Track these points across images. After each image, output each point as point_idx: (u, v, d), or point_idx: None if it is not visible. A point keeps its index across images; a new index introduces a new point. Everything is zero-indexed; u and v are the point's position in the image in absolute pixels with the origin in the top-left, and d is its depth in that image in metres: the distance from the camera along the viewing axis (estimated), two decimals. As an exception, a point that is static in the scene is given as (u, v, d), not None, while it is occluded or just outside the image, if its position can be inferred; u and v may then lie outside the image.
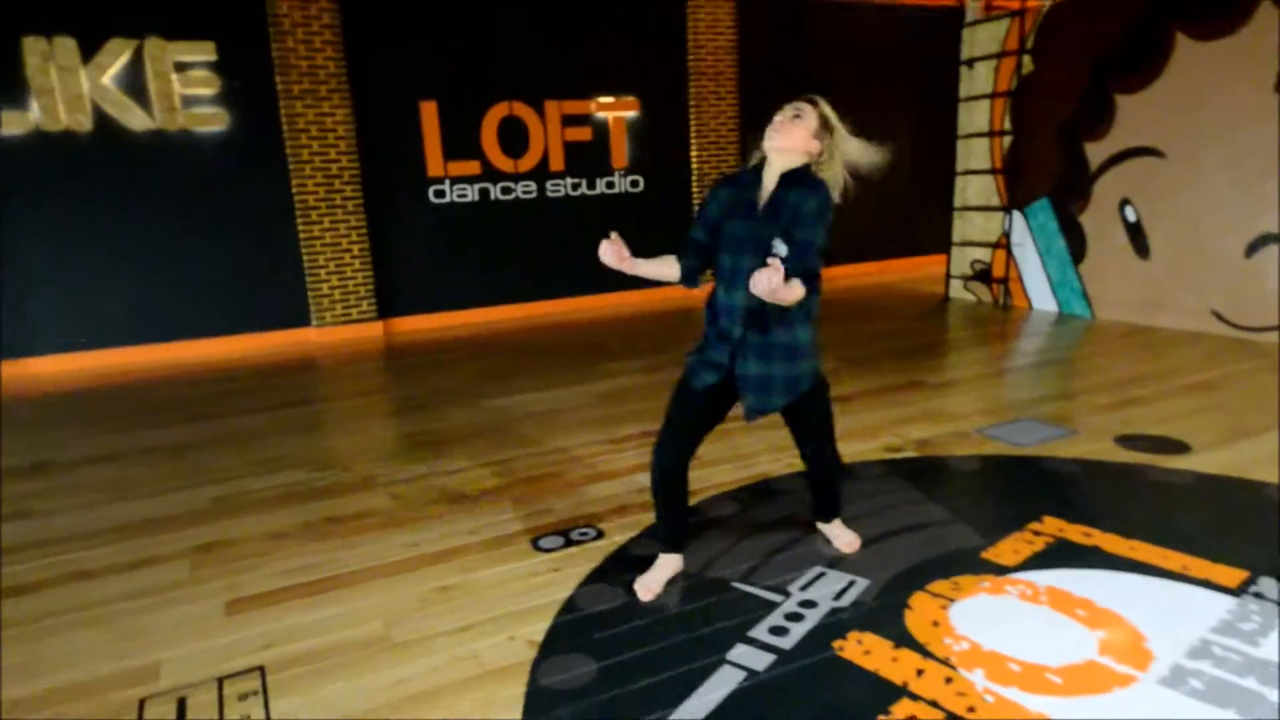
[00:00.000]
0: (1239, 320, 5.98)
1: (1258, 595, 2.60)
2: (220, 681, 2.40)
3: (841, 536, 3.05)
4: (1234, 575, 2.72)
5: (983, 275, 8.03)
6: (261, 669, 2.45)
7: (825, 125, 2.52)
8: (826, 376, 2.82)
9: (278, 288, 7.48)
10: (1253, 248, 5.80)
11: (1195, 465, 3.69)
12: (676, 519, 2.81)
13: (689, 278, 2.67)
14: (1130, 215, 6.61)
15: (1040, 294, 7.54)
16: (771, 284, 2.12)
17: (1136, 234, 6.60)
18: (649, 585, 2.76)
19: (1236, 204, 5.86)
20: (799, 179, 2.50)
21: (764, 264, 2.25)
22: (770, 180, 2.55)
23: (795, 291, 2.31)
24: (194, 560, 3.20)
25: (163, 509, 3.74)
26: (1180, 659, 2.30)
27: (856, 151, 2.58)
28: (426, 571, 3.02)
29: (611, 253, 2.46)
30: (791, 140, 2.49)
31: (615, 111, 8.59)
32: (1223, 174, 5.91)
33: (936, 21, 9.44)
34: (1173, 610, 2.55)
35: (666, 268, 2.66)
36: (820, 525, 3.10)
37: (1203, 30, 5.88)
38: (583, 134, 8.42)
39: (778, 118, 2.52)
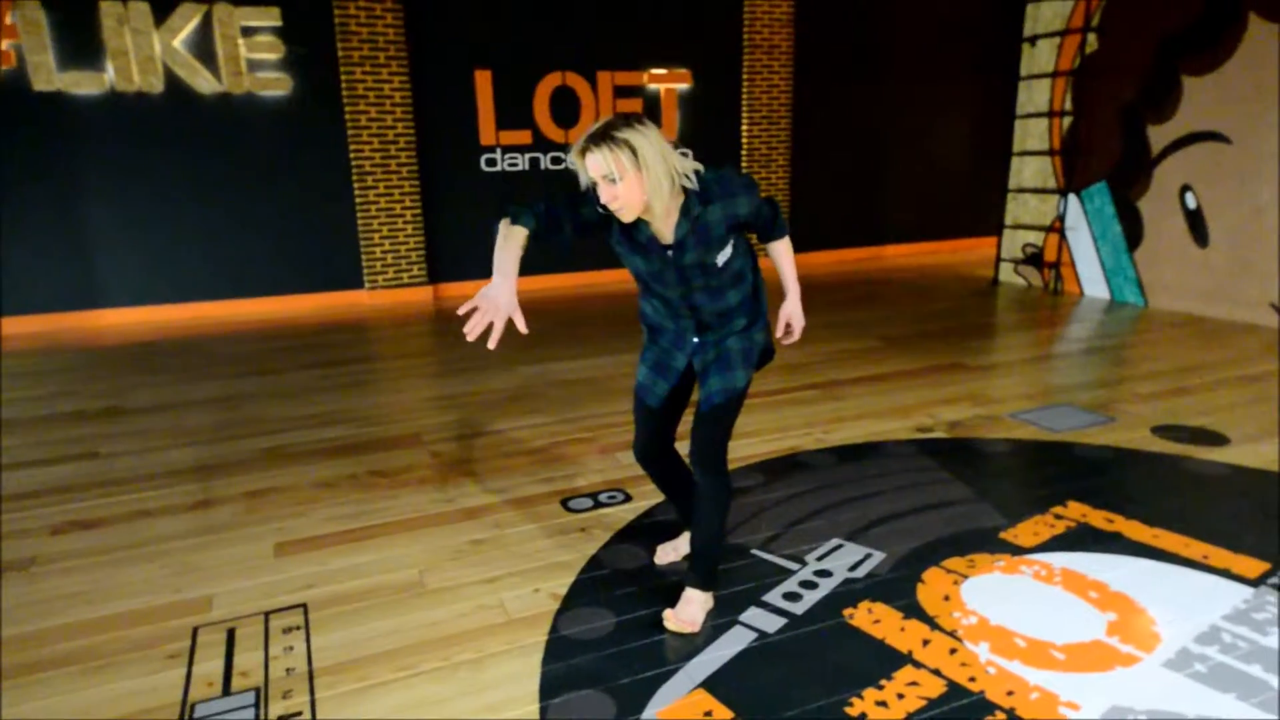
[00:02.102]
0: (1298, 313, 5.83)
1: (1276, 587, 2.61)
2: (266, 615, 2.58)
3: (685, 609, 2.45)
4: (1255, 566, 2.73)
5: (1034, 259, 7.91)
6: (305, 606, 2.63)
7: (633, 153, 2.04)
8: (775, 348, 2.60)
9: (333, 250, 7.70)
10: (1316, 239, 5.64)
11: (1231, 458, 3.66)
12: (681, 498, 2.67)
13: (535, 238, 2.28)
14: (1191, 202, 6.45)
15: (1093, 280, 7.40)
16: (796, 322, 2.60)
17: (1196, 221, 6.44)
18: (667, 552, 2.85)
19: (1302, 193, 5.69)
20: (699, 199, 2.16)
21: (710, 274, 2.25)
22: (660, 222, 2.20)
23: (792, 265, 2.53)
24: (246, 505, 3.40)
25: (219, 456, 3.96)
26: (1188, 643, 2.33)
27: (661, 150, 2.09)
28: (461, 525, 3.17)
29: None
30: (636, 203, 2.10)
31: (667, 84, 8.60)
32: (1290, 162, 5.74)
33: (1000, -3, 9.23)
34: (1187, 597, 2.57)
35: (515, 236, 2.25)
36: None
37: (1278, 10, 5.68)
38: (634, 105, 8.45)
39: (600, 191, 2.11)
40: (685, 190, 2.17)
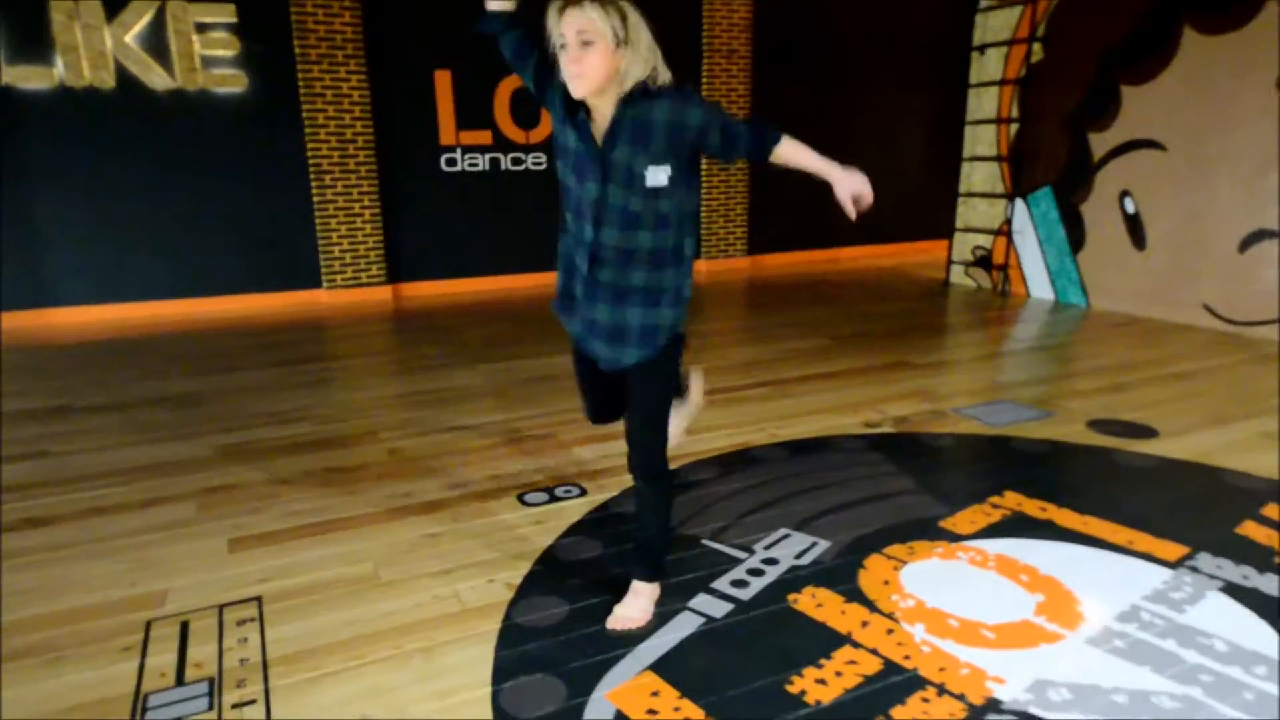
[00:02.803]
0: (1230, 314, 6.07)
1: (1194, 569, 2.75)
2: (221, 609, 2.60)
3: (630, 604, 2.47)
4: (1176, 550, 2.87)
5: (983, 261, 8.13)
6: (259, 599, 2.65)
7: (623, 21, 1.94)
8: (688, 337, 2.41)
9: (290, 249, 7.66)
10: (1246, 243, 5.88)
11: (1160, 450, 3.82)
12: None
13: (505, 30, 2.27)
14: (1129, 207, 6.69)
15: (1038, 282, 7.63)
16: (857, 188, 2.06)
17: (1135, 226, 6.68)
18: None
19: (1233, 199, 5.93)
20: (648, 94, 2.02)
21: (630, 188, 2.05)
22: (602, 105, 2.05)
23: (809, 153, 2.13)
24: (201, 501, 3.40)
25: (174, 453, 3.95)
26: (1109, 621, 2.46)
27: (649, 39, 2.01)
28: (417, 520, 3.20)
29: None
30: (598, 76, 1.96)
31: (627, 86, 8.68)
32: (1221, 169, 5.98)
33: (949, 5, 9.43)
34: (1110, 579, 2.70)
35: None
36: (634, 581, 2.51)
37: (1211, 24, 5.92)
38: (594, 107, 8.51)
39: (565, 56, 1.96)
40: (646, 88, 2.01)
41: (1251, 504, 3.23)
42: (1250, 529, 3.02)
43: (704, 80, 8.97)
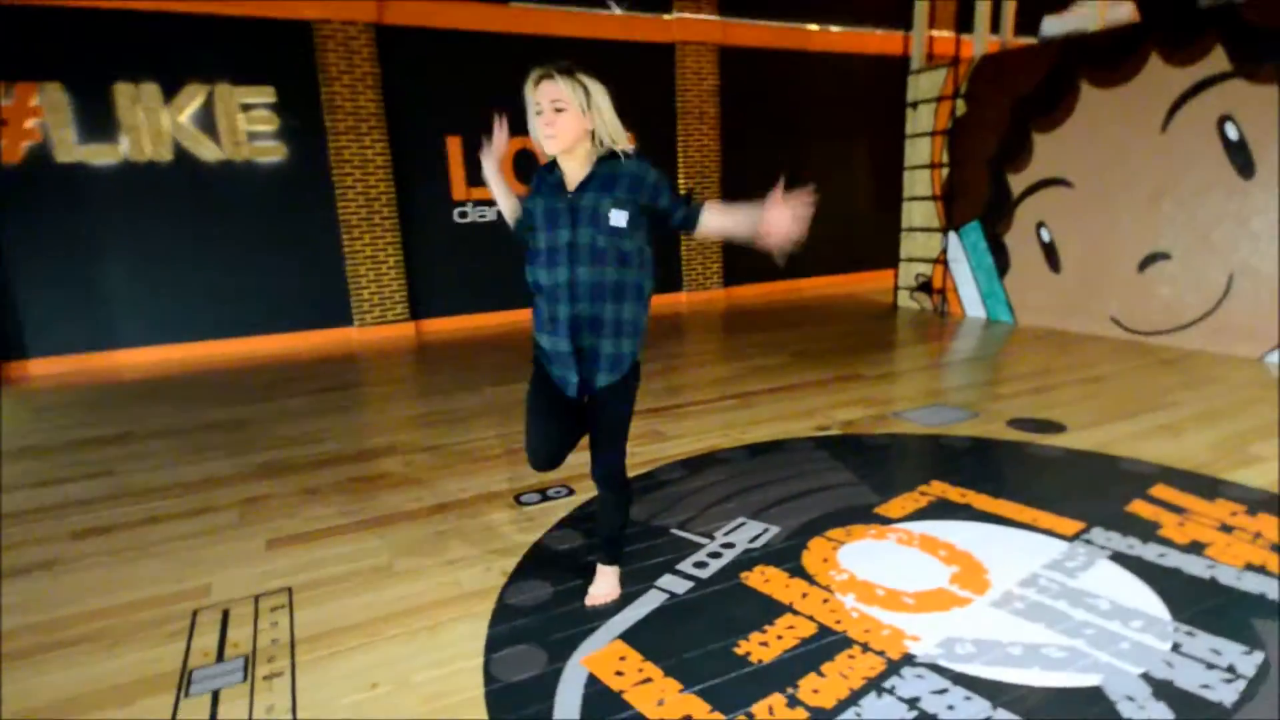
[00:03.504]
0: (1133, 325, 6.16)
1: (1087, 541, 2.82)
2: (257, 598, 2.67)
3: (599, 584, 2.56)
4: (1073, 526, 2.95)
5: (925, 287, 8.23)
6: (290, 589, 2.72)
7: (586, 93, 2.06)
8: (640, 365, 2.38)
9: (324, 293, 7.75)
10: (1144, 264, 5.99)
11: (1067, 443, 3.90)
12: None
13: (517, 231, 2.41)
14: (1045, 235, 6.80)
15: (972, 303, 7.73)
16: (782, 235, 2.01)
17: (1050, 251, 6.79)
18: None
19: (1131, 227, 6.05)
20: (615, 156, 2.14)
21: (597, 225, 2.10)
22: (573, 167, 2.15)
23: (728, 215, 2.16)
24: (242, 510, 3.47)
25: (220, 470, 4.01)
26: (1011, 586, 2.53)
27: (609, 106, 2.12)
28: (427, 520, 3.27)
29: (496, 135, 2.28)
30: (569, 135, 2.06)
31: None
32: (1120, 201, 6.10)
33: (887, 69, 9.63)
34: (1015, 551, 2.77)
35: (509, 201, 2.41)
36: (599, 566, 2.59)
37: (1104, 79, 6.08)
38: (585, 164, 8.67)
39: (539, 119, 2.05)
40: (614, 154, 2.13)
41: (1141, 485, 3.30)
42: (1139, 506, 3.10)
43: (679, 138, 9.14)
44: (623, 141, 2.15)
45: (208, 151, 7.05)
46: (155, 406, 5.46)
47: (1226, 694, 1.96)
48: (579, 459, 3.92)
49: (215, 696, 2.13)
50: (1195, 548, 2.73)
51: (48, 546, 3.16)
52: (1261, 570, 2.55)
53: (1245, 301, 5.42)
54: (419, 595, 2.64)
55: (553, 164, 2.21)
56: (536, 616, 2.47)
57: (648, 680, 2.12)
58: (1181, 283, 5.77)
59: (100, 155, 6.71)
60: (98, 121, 6.66)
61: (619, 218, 2.12)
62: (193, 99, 6.93)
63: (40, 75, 6.42)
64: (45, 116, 6.48)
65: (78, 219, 6.72)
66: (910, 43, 8.08)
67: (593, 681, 2.12)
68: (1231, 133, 5.31)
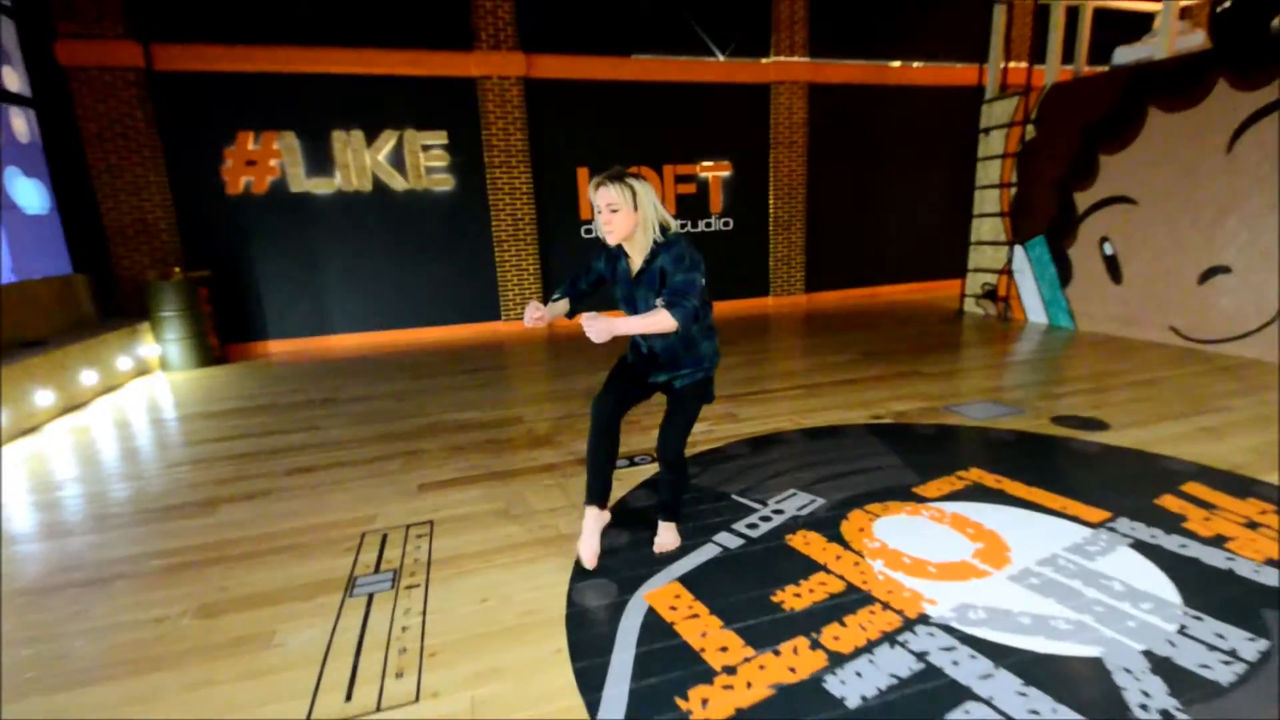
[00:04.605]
0: (1192, 334, 5.51)
1: (1111, 529, 2.60)
2: (407, 528, 2.92)
3: (663, 535, 2.62)
4: (1099, 515, 2.72)
5: (990, 294, 7.69)
6: (431, 522, 2.95)
7: (633, 194, 2.16)
8: (714, 390, 2.49)
9: (479, 294, 8.18)
10: (1204, 277, 5.34)
11: (1107, 440, 3.58)
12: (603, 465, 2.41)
13: (570, 314, 2.47)
14: (1108, 249, 6.19)
15: (1035, 310, 7.15)
16: (596, 331, 2.00)
17: (1112, 264, 6.18)
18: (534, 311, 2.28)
19: (1193, 242, 5.41)
20: (656, 250, 2.23)
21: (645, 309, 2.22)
22: (635, 256, 2.28)
23: (644, 322, 2.10)
24: (404, 460, 3.77)
25: (391, 430, 4.36)
26: (1030, 564, 2.38)
27: (653, 200, 2.22)
28: (540, 475, 3.44)
29: (530, 312, 2.23)
30: (623, 231, 2.18)
31: (714, 172, 8.79)
32: (1183, 218, 5.46)
33: (962, 99, 9.03)
34: (1040, 534, 2.60)
35: (560, 308, 2.41)
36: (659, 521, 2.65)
37: (1171, 104, 5.45)
38: (689, 188, 8.69)
39: (599, 218, 2.18)
40: (655, 243, 2.22)
41: (1174, 482, 2.99)
42: (1168, 501, 2.82)
43: (771, 165, 8.96)
44: (668, 225, 2.23)
45: (397, 182, 7.60)
46: (351, 379, 5.96)
47: (1224, 674, 1.78)
48: (653, 434, 4.00)
49: (370, 598, 2.37)
50: (1217, 541, 2.46)
51: (267, 480, 3.57)
52: (1283, 567, 2.27)
53: (1311, 313, 4.73)
54: (525, 534, 2.80)
55: (619, 249, 2.31)
56: (612, 558, 2.56)
57: (695, 616, 2.17)
58: (1241, 295, 5.11)
59: (321, 186, 7.37)
60: (319, 160, 7.33)
61: (656, 304, 2.21)
62: (387, 142, 7.48)
63: (279, 126, 7.15)
64: (283, 157, 7.21)
65: (304, 235, 7.43)
66: (985, 74, 7.54)
67: (651, 613, 2.19)
68: (1299, 152, 4.63)
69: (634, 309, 2.32)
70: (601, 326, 2.01)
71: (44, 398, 4.90)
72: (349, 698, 1.88)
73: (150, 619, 2.33)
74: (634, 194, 2.16)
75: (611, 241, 2.21)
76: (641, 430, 4.09)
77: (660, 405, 2.68)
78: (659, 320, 2.10)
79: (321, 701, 1.87)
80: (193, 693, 1.95)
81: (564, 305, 2.42)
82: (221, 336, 7.22)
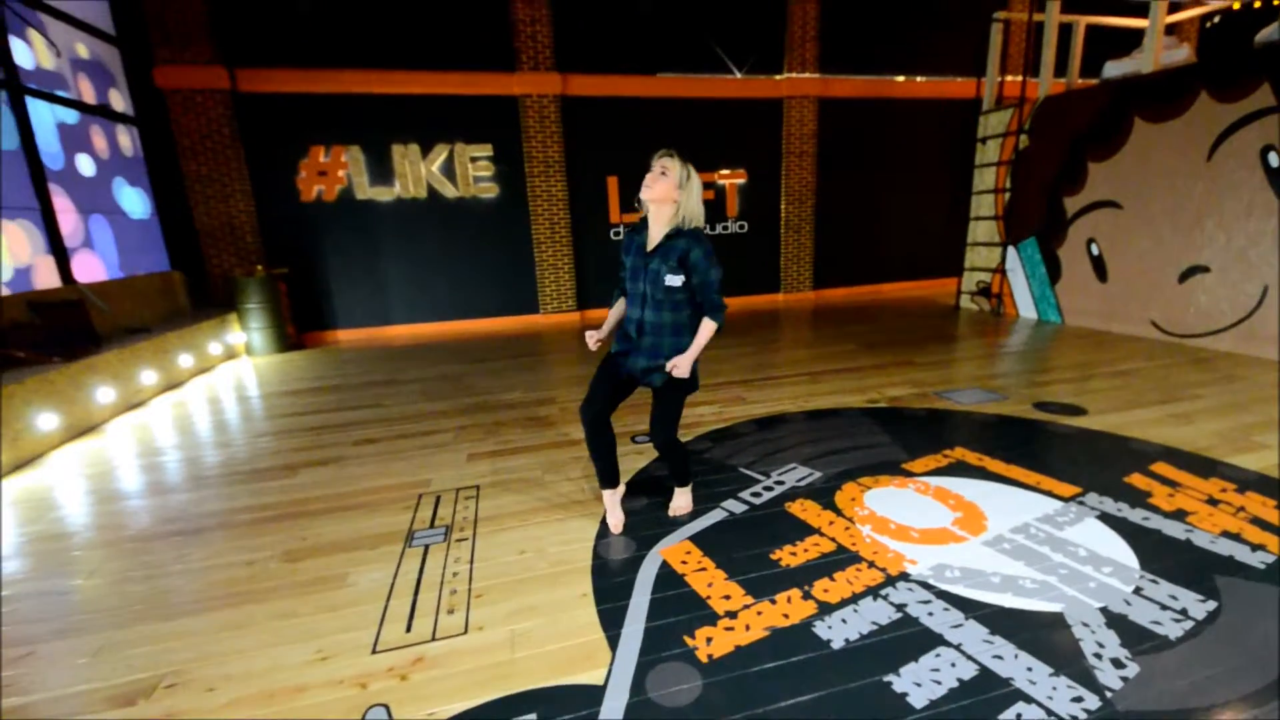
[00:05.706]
0: (1171, 329, 5.38)
1: (1080, 503, 2.61)
2: (457, 491, 3.04)
3: (676, 500, 2.66)
4: (1071, 489, 2.73)
5: (984, 291, 7.56)
6: (478, 486, 3.07)
7: (688, 175, 2.18)
8: (699, 381, 2.48)
9: (520, 291, 8.27)
10: (1184, 276, 5.21)
11: (1083, 424, 3.55)
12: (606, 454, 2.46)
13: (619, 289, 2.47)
14: (1095, 250, 6.06)
15: (1025, 305, 7.02)
16: (683, 369, 2.11)
17: (1099, 264, 6.04)
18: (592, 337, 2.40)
19: (1174, 243, 5.27)
20: (680, 233, 2.20)
21: (656, 285, 2.17)
22: (655, 230, 2.24)
23: (703, 337, 2.16)
24: (455, 433, 3.89)
25: (446, 406, 4.49)
26: (1004, 531, 2.41)
27: (699, 193, 2.21)
28: (569, 449, 3.53)
29: (592, 340, 2.33)
30: (660, 192, 2.15)
31: (731, 179, 8.76)
32: (1164, 221, 5.32)
33: (961, 110, 8.85)
34: (1015, 506, 2.62)
35: (619, 312, 2.44)
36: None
37: (1155, 115, 5.30)
38: (708, 195, 8.65)
39: (649, 175, 2.17)
40: (679, 228, 2.20)
41: (1143, 462, 2.98)
42: (1136, 479, 2.81)
43: (783, 173, 8.89)
44: (697, 222, 2.20)
45: (449, 191, 7.72)
46: (409, 363, 6.10)
47: (1173, 630, 1.81)
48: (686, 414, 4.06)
49: (426, 549, 2.50)
50: (1179, 515, 2.46)
51: (338, 449, 3.73)
52: (1236, 537, 2.27)
53: (1277, 310, 4.60)
54: (558, 496, 2.91)
55: (643, 225, 2.28)
56: (633, 518, 2.65)
57: (703, 569, 2.25)
58: (1218, 293, 4.97)
59: (382, 194, 7.52)
60: (381, 171, 7.48)
61: (674, 280, 2.20)
62: (440, 154, 7.60)
63: (346, 140, 7.33)
64: (349, 168, 7.39)
65: (368, 238, 7.61)
66: (983, 87, 7.38)
67: (665, 566, 2.28)
68: (1274, 161, 4.48)
69: (638, 279, 2.25)
70: (685, 362, 2.15)
71: (148, 377, 5.16)
72: (409, 629, 2.01)
73: (242, 561, 2.49)
74: (688, 175, 2.17)
75: (644, 196, 2.16)
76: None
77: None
78: (710, 332, 2.20)
79: (386, 631, 2.01)
80: (280, 620, 2.10)
81: (620, 309, 2.46)
82: (297, 326, 7.47)
